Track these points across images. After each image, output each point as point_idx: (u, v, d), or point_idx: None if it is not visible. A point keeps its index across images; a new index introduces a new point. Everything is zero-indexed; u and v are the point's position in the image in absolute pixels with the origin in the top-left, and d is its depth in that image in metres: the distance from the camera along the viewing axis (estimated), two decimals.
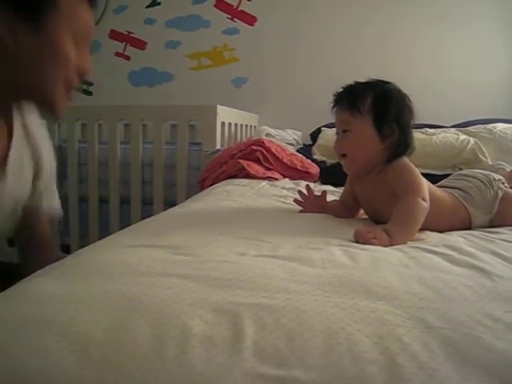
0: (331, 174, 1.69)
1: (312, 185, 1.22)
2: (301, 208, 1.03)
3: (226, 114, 1.99)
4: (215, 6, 2.76)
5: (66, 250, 2.08)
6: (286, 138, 2.36)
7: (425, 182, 0.89)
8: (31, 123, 0.87)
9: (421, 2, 2.48)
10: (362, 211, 1.04)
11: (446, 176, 1.13)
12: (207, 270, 0.57)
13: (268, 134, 2.31)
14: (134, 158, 1.97)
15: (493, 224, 0.96)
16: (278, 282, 0.54)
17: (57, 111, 0.74)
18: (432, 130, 1.93)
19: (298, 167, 1.73)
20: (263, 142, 1.73)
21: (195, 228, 0.82)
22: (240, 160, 1.62)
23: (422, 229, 0.84)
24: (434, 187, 0.96)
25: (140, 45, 2.90)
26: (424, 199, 0.84)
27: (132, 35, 2.90)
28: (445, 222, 0.92)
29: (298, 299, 0.49)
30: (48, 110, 0.75)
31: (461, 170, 1.66)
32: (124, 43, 2.92)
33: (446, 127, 2.07)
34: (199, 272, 0.56)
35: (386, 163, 0.91)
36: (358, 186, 0.99)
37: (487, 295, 0.52)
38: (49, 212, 0.98)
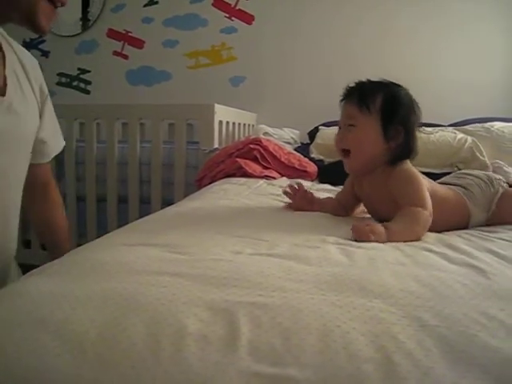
0: (329, 173, 1.69)
1: (310, 184, 1.22)
2: (290, 201, 1.04)
3: (223, 113, 1.99)
4: (213, 4, 2.76)
5: None
6: (283, 137, 2.36)
7: (428, 194, 0.88)
8: (21, 52, 0.89)
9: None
10: (358, 209, 1.05)
11: (444, 174, 1.14)
12: (203, 269, 0.56)
13: (266, 133, 2.31)
14: (131, 157, 1.97)
15: (490, 222, 0.97)
16: (274, 280, 0.53)
17: (40, 26, 0.77)
18: (429, 129, 1.93)
19: (296, 166, 1.72)
20: (261, 141, 1.73)
21: (192, 227, 0.82)
22: (238, 159, 1.62)
23: None
24: (436, 185, 0.96)
25: (138, 44, 2.90)
26: (427, 210, 0.84)
27: (130, 34, 2.90)
28: (447, 218, 0.92)
29: (293, 297, 0.49)
30: (32, 24, 0.77)
31: (459, 168, 1.67)
32: (122, 42, 2.91)
33: (444, 126, 2.07)
34: (195, 270, 0.56)
35: (387, 165, 0.91)
36: (358, 187, 0.99)
37: (482, 293, 0.52)
38: (58, 148, 1.04)
